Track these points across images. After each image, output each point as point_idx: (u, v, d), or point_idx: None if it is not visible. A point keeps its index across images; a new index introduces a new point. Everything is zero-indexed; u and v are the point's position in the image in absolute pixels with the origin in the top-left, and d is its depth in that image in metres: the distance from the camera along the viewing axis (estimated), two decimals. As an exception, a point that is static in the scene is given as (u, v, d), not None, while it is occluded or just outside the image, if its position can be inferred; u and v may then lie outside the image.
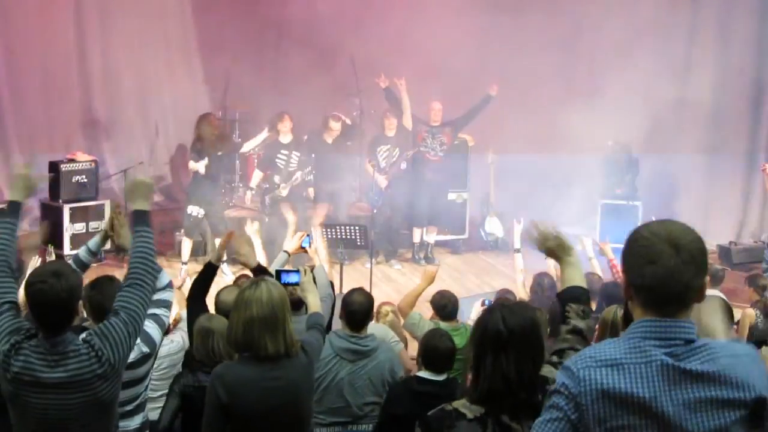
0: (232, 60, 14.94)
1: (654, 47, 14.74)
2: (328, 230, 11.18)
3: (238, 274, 9.55)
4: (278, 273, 5.68)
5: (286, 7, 15.05)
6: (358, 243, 11.37)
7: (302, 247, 7.02)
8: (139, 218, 4.49)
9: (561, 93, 14.11)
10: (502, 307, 3.73)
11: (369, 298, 6.63)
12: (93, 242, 5.64)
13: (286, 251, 6.93)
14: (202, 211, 12.50)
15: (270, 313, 4.59)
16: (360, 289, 6.80)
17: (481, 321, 3.74)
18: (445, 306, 7.59)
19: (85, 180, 13.21)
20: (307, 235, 7.12)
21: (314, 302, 5.45)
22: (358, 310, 6.47)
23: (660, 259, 2.85)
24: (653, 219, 3.10)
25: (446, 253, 14.46)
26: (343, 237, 11.18)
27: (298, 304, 6.00)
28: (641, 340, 2.86)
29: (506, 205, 14.40)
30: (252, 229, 8.31)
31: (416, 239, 13.81)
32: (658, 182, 15.10)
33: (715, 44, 15.08)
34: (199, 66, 16.52)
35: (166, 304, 5.26)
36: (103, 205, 13.30)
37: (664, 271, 2.84)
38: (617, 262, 8.27)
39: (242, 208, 13.70)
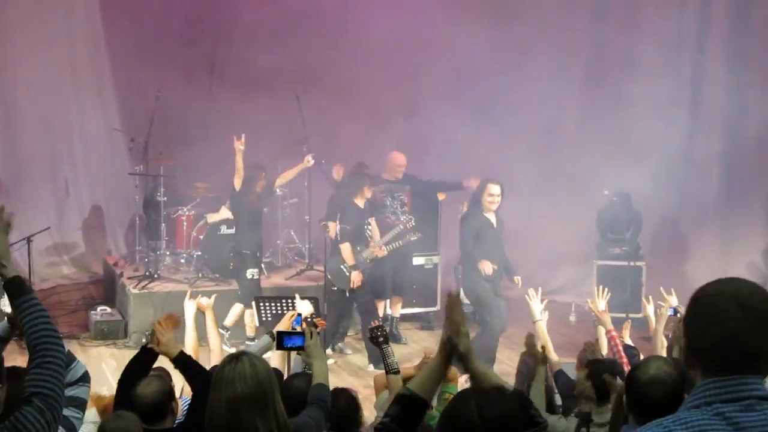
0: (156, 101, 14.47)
1: (657, 92, 14.78)
2: (261, 305, 10.26)
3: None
4: (280, 335, 5.85)
5: (218, 42, 14.83)
6: (308, 321, 10.35)
7: (293, 328, 6.93)
8: (17, 288, 4.03)
9: (555, 137, 14.63)
10: (477, 394, 3.56)
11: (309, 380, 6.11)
12: (1, 327, 5.09)
13: (270, 332, 6.80)
14: (256, 272, 12.52)
15: (257, 390, 4.43)
16: (302, 374, 6.43)
17: (451, 410, 3.54)
18: None
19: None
20: (299, 315, 7.24)
21: (320, 370, 5.47)
22: (295, 396, 5.94)
23: (725, 321, 2.82)
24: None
25: (415, 329, 14.07)
26: (281, 312, 10.09)
27: None
28: (705, 406, 2.83)
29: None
30: (205, 303, 7.80)
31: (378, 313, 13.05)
32: (665, 239, 15.12)
33: (726, 88, 15.14)
34: (114, 110, 16.09)
35: (78, 403, 5.03)
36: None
37: (729, 334, 2.82)
38: (616, 333, 7.91)
39: (170, 280, 13.50)
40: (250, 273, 12.50)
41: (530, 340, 7.64)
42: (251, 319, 12.24)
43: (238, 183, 12.43)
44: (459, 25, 14.80)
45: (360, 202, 12.39)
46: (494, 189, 11.43)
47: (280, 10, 14.93)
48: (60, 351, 4.04)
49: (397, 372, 6.58)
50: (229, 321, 12.45)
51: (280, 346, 5.97)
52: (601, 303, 8.27)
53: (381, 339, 6.67)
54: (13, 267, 4.09)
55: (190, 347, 7.18)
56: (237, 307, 12.54)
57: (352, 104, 15.02)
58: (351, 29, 14.96)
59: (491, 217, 11.67)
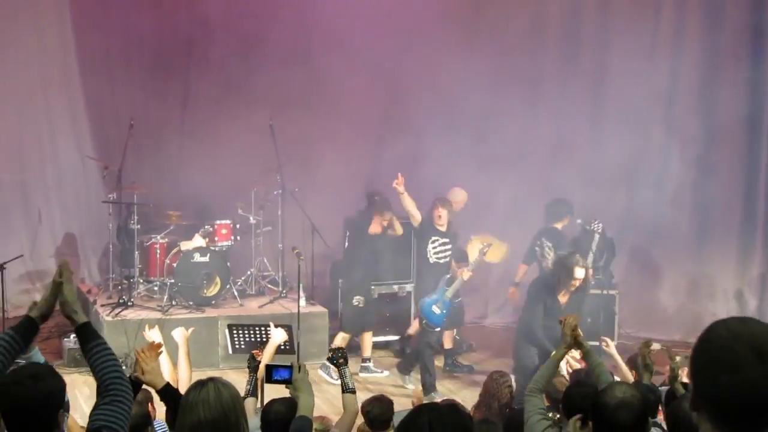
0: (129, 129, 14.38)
1: (630, 118, 15.06)
2: (234, 332, 10.26)
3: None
4: (269, 368, 5.81)
5: (192, 69, 14.80)
6: (282, 348, 10.38)
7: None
8: (89, 333, 4.35)
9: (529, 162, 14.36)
10: (430, 410, 3.65)
11: (292, 408, 6.16)
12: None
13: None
14: (362, 299, 12.86)
15: (220, 416, 4.44)
16: (282, 399, 6.48)
17: (405, 423, 3.65)
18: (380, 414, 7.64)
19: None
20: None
21: (306, 404, 5.54)
22: (274, 420, 6.23)
23: (741, 369, 2.60)
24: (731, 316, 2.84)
25: (387, 356, 14.03)
26: (254, 340, 10.13)
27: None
28: None
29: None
30: (180, 335, 7.81)
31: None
32: (637, 267, 15.18)
33: (698, 118, 15.27)
34: (88, 138, 15.99)
35: None
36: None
37: (745, 384, 2.59)
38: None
39: (143, 307, 13.51)
40: (357, 300, 12.83)
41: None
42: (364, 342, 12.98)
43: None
44: (436, 48, 15.02)
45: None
46: (579, 273, 11.02)
47: (257, 36, 14.96)
48: (129, 394, 4.27)
49: (353, 392, 6.87)
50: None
51: (268, 380, 5.97)
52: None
53: (341, 360, 6.97)
54: (83, 313, 4.36)
55: (187, 378, 7.23)
56: (339, 337, 12.89)
57: (328, 131, 15.07)
58: (328, 55, 15.05)
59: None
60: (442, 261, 12.51)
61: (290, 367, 5.69)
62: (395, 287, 14.11)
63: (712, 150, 15.11)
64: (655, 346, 9.66)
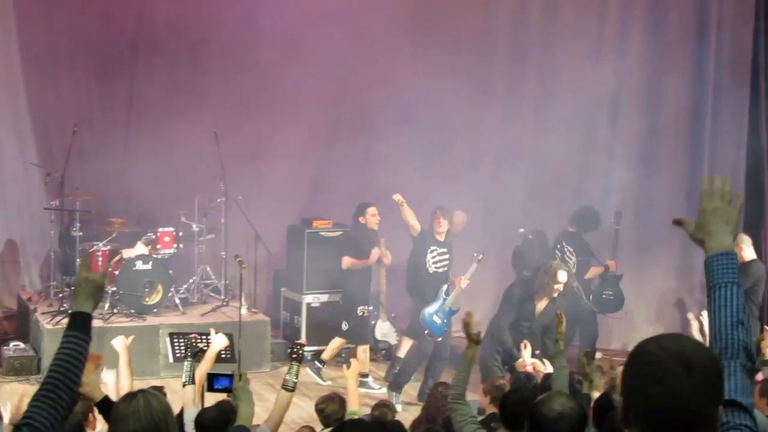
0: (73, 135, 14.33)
1: (576, 123, 15.12)
2: (176, 340, 10.21)
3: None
4: (210, 377, 5.91)
5: (137, 76, 14.85)
6: (222, 356, 10.38)
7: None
8: (76, 321, 4.09)
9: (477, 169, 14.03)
10: (353, 426, 3.86)
11: (225, 413, 6.33)
12: None
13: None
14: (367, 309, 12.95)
15: (150, 428, 4.34)
16: (215, 405, 6.60)
17: None
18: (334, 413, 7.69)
19: None
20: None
21: (245, 413, 5.52)
22: (207, 426, 6.27)
23: (668, 380, 2.71)
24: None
25: (329, 366, 13.68)
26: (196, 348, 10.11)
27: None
28: None
29: (398, 307, 14.33)
30: (120, 344, 7.70)
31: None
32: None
33: (642, 119, 15.45)
34: (31, 144, 15.75)
35: None
36: None
37: (671, 394, 2.70)
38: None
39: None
40: (361, 310, 12.87)
41: None
42: (364, 355, 12.85)
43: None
44: (387, 53, 15.07)
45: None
46: (562, 276, 11.24)
47: (204, 39, 14.90)
48: (64, 396, 4.04)
49: (291, 390, 6.84)
50: (326, 354, 12.90)
51: (209, 388, 5.96)
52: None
53: (296, 356, 6.95)
54: (86, 303, 4.15)
55: (128, 387, 7.13)
56: (336, 341, 12.96)
57: (275, 137, 15.03)
58: (277, 60, 15.04)
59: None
60: (440, 271, 12.63)
61: (231, 376, 5.69)
62: (338, 296, 13.92)
63: (656, 150, 15.30)
64: (597, 356, 9.81)
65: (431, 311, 12.33)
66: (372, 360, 13.72)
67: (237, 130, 14.62)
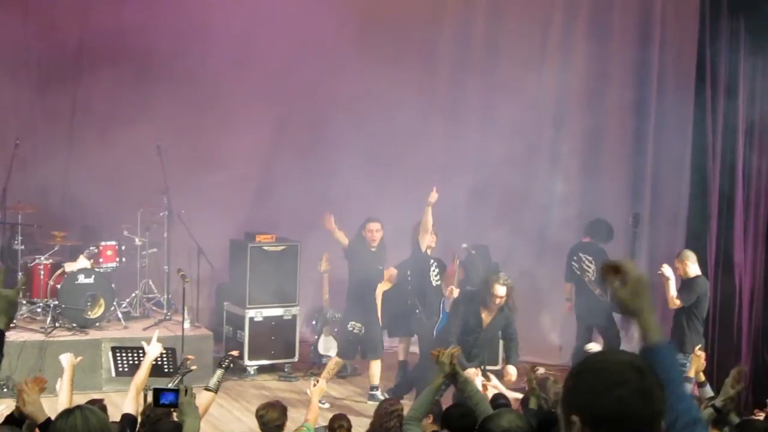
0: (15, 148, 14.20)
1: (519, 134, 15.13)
2: (118, 355, 10.19)
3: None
4: (156, 392, 5.80)
5: (79, 89, 14.63)
6: (165, 370, 10.39)
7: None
8: None
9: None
10: None
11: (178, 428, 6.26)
12: None
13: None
14: (359, 325, 12.78)
15: None
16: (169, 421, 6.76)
17: None
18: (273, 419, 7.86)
19: None
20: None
21: (191, 427, 5.58)
22: None
23: (630, 381, 2.74)
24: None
25: (272, 380, 14.05)
26: (138, 363, 10.09)
27: None
28: None
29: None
30: (68, 361, 7.52)
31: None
32: (523, 290, 14.71)
33: (586, 128, 15.53)
34: None
35: None
36: None
37: (634, 393, 2.73)
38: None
39: (26, 329, 13.26)
40: (351, 325, 12.81)
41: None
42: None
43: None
44: (330, 65, 15.19)
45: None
46: (500, 290, 11.19)
47: (148, 52, 14.79)
48: None
49: (213, 392, 7.39)
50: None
51: (156, 403, 5.91)
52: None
53: (225, 364, 7.66)
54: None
55: (66, 403, 7.07)
56: (333, 362, 13.00)
57: (218, 151, 15.01)
58: (221, 73, 15.09)
59: None
60: (439, 283, 13.03)
61: (177, 391, 5.71)
62: (281, 310, 14.14)
63: (601, 155, 15.41)
64: (541, 370, 9.89)
65: (440, 325, 12.66)
66: (314, 375, 13.75)
67: (182, 142, 14.59)
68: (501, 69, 15.45)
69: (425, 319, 12.99)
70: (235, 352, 9.18)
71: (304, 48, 15.06)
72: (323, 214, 12.75)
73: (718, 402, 7.44)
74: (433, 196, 12.42)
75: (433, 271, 13.00)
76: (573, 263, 13.62)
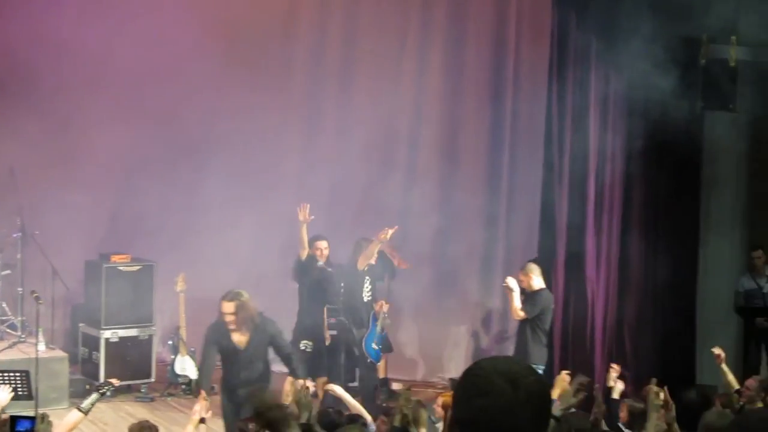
0: None
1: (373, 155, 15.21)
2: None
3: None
4: (12, 420, 5.68)
5: None
6: (19, 392, 10.31)
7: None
8: None
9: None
10: None
11: None
12: None
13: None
14: (310, 344, 12.69)
15: None
16: None
17: None
18: None
19: None
20: None
21: None
22: None
23: (491, 393, 2.81)
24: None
25: (129, 400, 13.85)
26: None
27: None
28: None
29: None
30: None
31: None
32: None
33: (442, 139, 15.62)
34: None
35: None
36: None
37: (494, 407, 2.80)
38: None
39: None
40: (304, 344, 12.66)
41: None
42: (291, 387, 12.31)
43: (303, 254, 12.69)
44: (191, 84, 15.02)
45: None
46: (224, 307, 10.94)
47: (7, 69, 14.55)
48: None
49: (84, 413, 7.07)
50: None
51: (11, 431, 5.79)
52: None
53: (103, 390, 7.57)
54: None
55: None
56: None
57: (74, 171, 14.79)
58: (78, 90, 14.85)
59: None
60: (370, 299, 13.07)
61: (33, 419, 5.64)
62: (136, 331, 14.06)
63: (456, 172, 15.47)
64: (396, 386, 10.08)
65: (369, 339, 12.81)
66: (171, 395, 13.76)
67: (38, 161, 14.34)
68: (356, 85, 15.57)
69: (355, 331, 13.00)
70: (115, 381, 9.08)
71: (163, 66, 14.94)
72: (301, 205, 12.66)
73: (557, 411, 7.70)
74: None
75: (367, 287, 13.07)
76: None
